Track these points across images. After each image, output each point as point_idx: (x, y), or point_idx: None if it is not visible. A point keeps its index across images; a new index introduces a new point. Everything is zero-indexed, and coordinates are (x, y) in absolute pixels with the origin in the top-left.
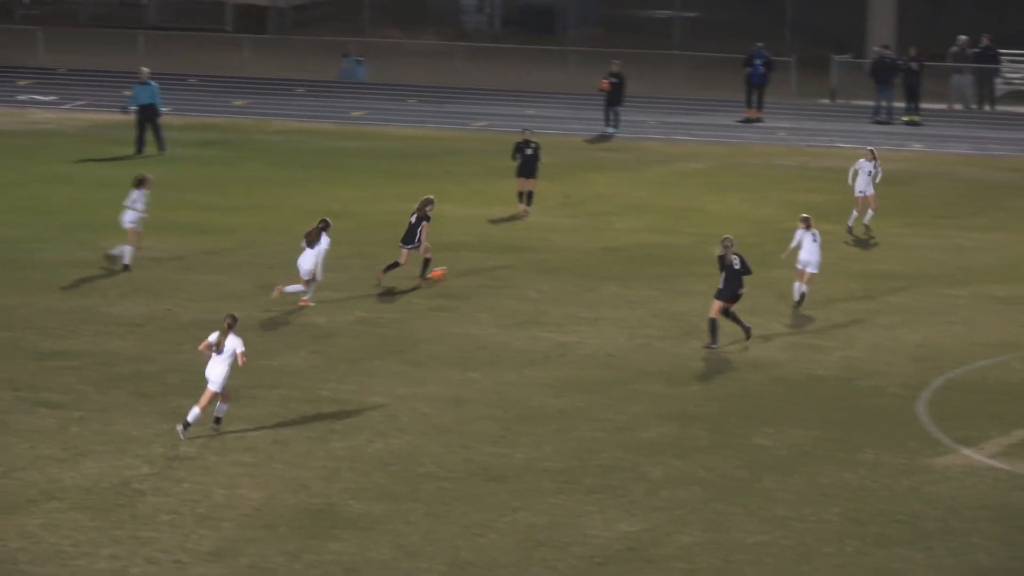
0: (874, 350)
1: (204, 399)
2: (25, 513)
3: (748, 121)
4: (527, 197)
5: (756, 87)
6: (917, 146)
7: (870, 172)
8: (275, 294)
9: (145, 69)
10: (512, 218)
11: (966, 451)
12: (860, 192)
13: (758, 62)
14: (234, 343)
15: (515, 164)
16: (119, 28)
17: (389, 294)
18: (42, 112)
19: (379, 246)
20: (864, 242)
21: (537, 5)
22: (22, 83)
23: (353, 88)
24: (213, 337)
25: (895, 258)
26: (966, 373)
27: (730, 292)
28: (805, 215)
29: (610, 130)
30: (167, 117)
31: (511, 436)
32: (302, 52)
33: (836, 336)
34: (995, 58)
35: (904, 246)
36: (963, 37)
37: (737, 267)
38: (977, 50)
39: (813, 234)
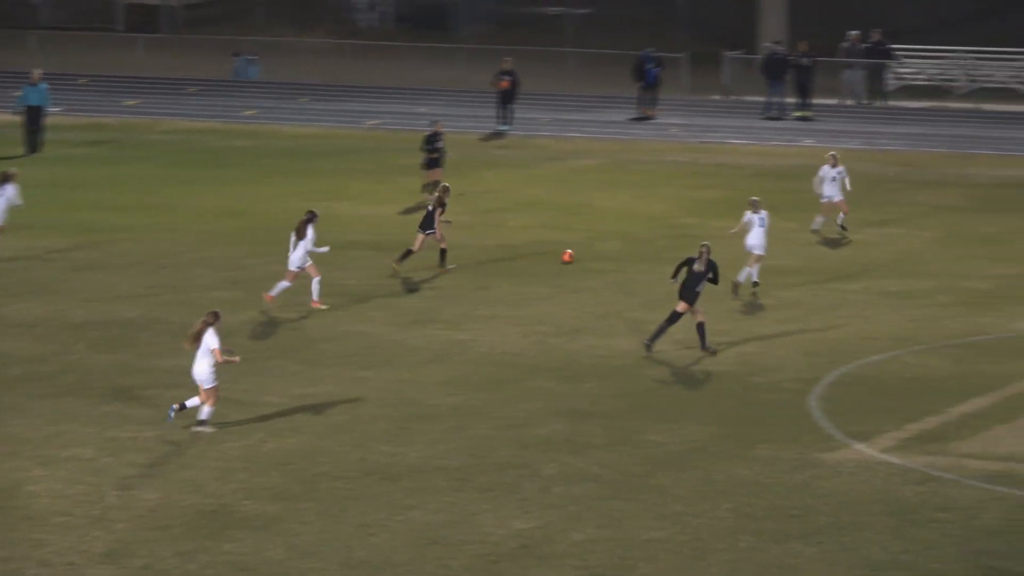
0: (768, 345)
1: (202, 396)
2: None
3: (642, 119)
4: (434, 187)
5: (650, 88)
6: (809, 141)
7: (834, 178)
8: (267, 303)
9: (37, 70)
10: (407, 212)
11: (859, 446)
12: (827, 198)
13: (650, 66)
14: (210, 340)
15: (423, 156)
16: (10, 28)
17: (288, 288)
18: None
19: (274, 244)
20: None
21: (429, 3)
22: None
23: (246, 87)
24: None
25: (788, 253)
26: (859, 368)
27: (690, 293)
28: (755, 198)
29: (503, 127)
30: (58, 117)
31: (406, 435)
32: (195, 51)
33: (731, 332)
34: (887, 53)
35: (797, 241)
36: (854, 32)
37: (701, 271)
38: (868, 45)
39: (761, 217)
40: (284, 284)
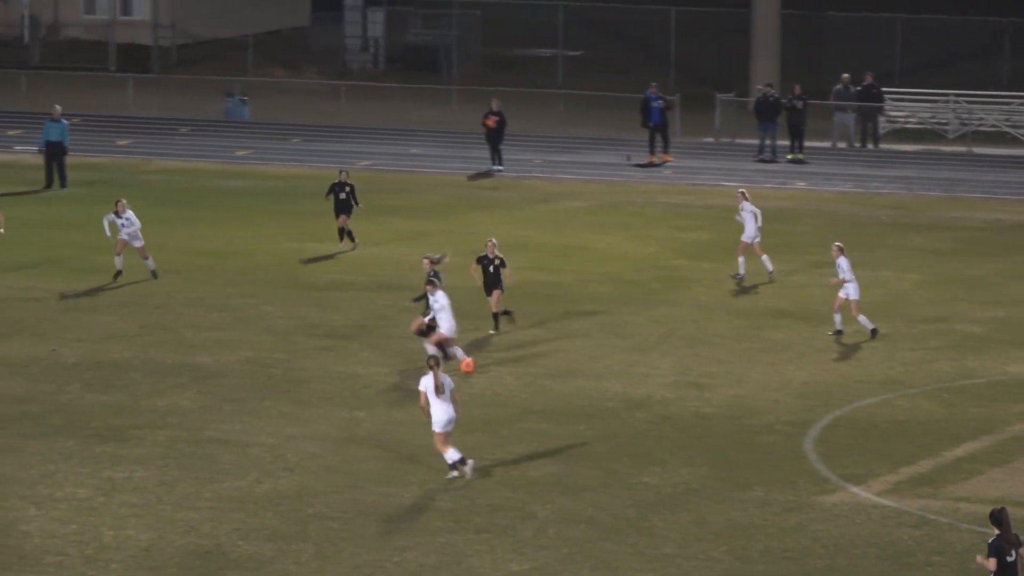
0: (760, 388)
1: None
2: None
3: (651, 166)
4: (348, 234)
5: (657, 129)
6: (801, 184)
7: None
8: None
9: (57, 107)
10: (398, 259)
11: (853, 488)
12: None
13: (655, 105)
14: (447, 380)
15: (331, 203)
16: (1, 68)
17: (270, 331)
18: None
19: (263, 285)
20: (749, 280)
21: (420, 44)
22: None
23: (237, 127)
24: (426, 383)
25: (779, 296)
26: (852, 411)
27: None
28: (838, 243)
29: (497, 168)
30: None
31: (399, 475)
32: (186, 91)
33: (722, 374)
34: (878, 96)
35: (787, 284)
36: (846, 75)
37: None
38: (859, 88)
39: (847, 260)
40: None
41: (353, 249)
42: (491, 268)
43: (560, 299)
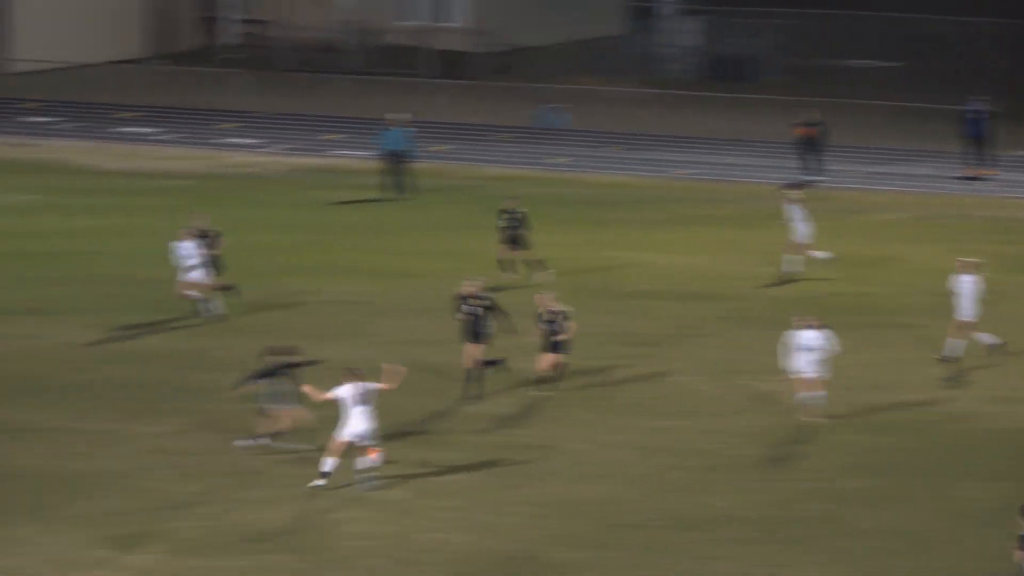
0: None
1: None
2: (235, 554)
3: (971, 179)
4: (523, 264)
5: (979, 142)
6: None
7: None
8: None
9: (399, 115)
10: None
11: None
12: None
13: (975, 116)
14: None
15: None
16: (320, 73)
17: (581, 339)
18: (243, 155)
19: (574, 293)
20: None
21: (736, 55)
22: (223, 126)
23: (554, 135)
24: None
25: None
26: None
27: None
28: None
29: (810, 178)
30: (365, 162)
31: (710, 485)
32: (501, 98)
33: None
34: None
35: None
36: None
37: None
38: None
39: None
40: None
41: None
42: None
43: (872, 310)
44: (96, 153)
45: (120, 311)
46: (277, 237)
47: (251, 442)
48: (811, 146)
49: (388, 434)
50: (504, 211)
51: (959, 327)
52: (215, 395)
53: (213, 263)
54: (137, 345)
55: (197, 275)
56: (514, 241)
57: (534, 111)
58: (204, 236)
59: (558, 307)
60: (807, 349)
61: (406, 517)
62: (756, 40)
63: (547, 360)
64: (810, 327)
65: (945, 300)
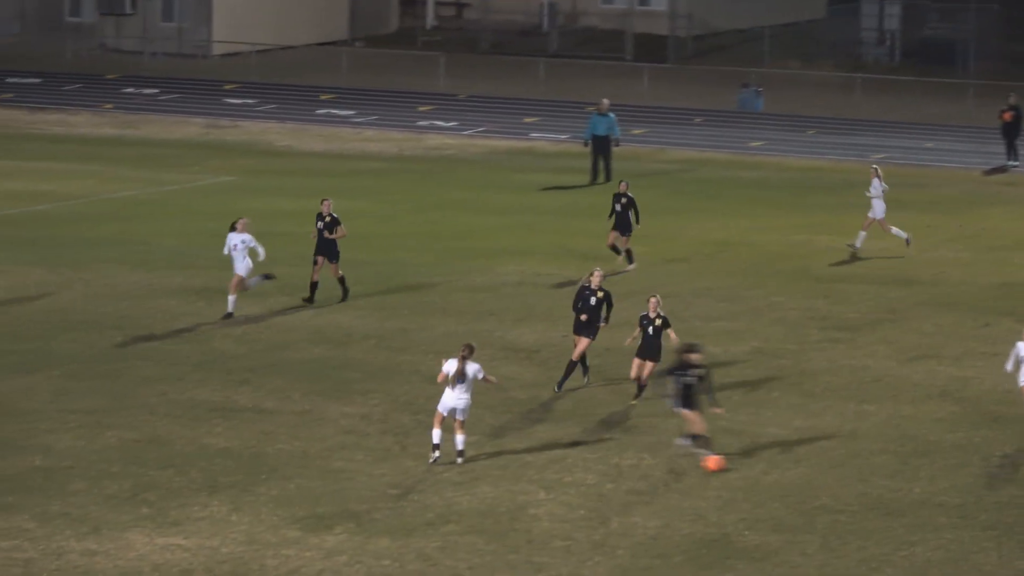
0: None
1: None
2: (422, 535)
3: None
4: (626, 253)
5: None
6: None
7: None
8: None
9: (605, 100)
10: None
11: None
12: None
13: None
14: (474, 370)
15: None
16: (519, 56)
17: (780, 323)
18: (442, 138)
19: (772, 276)
20: None
21: (937, 39)
22: (423, 108)
23: (751, 118)
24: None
25: None
26: None
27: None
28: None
29: (1012, 163)
30: (563, 145)
31: (907, 470)
32: (700, 81)
33: None
34: None
35: None
36: None
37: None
38: None
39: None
40: None
41: (627, 269)
42: (650, 329)
43: None
44: (297, 135)
45: (319, 292)
46: (482, 219)
47: (686, 442)
48: (1010, 131)
49: (582, 419)
50: (618, 195)
51: None
52: (410, 376)
53: (330, 249)
54: (334, 325)
55: (241, 267)
56: (623, 225)
57: (739, 93)
58: (327, 220)
59: (662, 311)
60: None
61: (599, 500)
62: (960, 25)
63: (642, 367)
64: None
65: None
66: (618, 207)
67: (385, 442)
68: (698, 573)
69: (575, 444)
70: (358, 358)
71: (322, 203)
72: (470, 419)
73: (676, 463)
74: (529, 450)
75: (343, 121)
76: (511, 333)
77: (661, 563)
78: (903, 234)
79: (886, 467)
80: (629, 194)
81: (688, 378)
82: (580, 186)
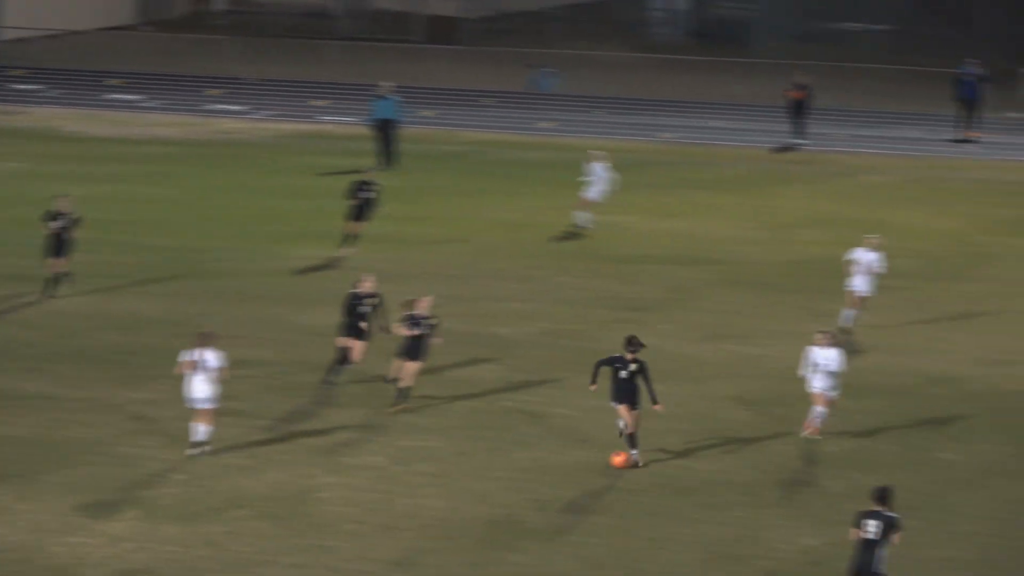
0: None
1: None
2: (209, 521)
3: (962, 141)
4: (352, 238)
5: (970, 105)
6: None
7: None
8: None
9: (387, 84)
10: (696, 232)
11: None
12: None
13: (969, 79)
14: (213, 359)
15: (349, 205)
16: (308, 39)
17: (568, 303)
18: (231, 121)
19: (561, 257)
20: None
21: (726, 17)
22: (212, 92)
23: (542, 99)
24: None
25: None
26: None
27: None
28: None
29: (798, 141)
30: (353, 128)
31: (696, 449)
32: (492, 63)
33: (1020, 350)
34: None
35: None
36: None
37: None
38: None
39: None
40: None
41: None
42: (623, 373)
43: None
44: (85, 120)
45: (110, 278)
46: (273, 202)
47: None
48: (800, 109)
49: (368, 399)
50: (360, 183)
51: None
52: None
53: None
54: (125, 311)
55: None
56: (360, 214)
57: (528, 75)
58: (58, 217)
59: (431, 314)
60: (824, 369)
61: (386, 483)
62: (749, 4)
63: (406, 368)
64: (831, 346)
65: (933, 264)
66: (364, 194)
67: (174, 428)
68: (488, 554)
69: (363, 427)
70: (149, 344)
71: (56, 200)
72: (254, 404)
73: (463, 445)
74: (317, 433)
75: (131, 106)
76: (303, 316)
77: (449, 544)
78: (588, 223)
79: (675, 446)
80: (374, 183)
81: (625, 371)
82: (370, 169)
